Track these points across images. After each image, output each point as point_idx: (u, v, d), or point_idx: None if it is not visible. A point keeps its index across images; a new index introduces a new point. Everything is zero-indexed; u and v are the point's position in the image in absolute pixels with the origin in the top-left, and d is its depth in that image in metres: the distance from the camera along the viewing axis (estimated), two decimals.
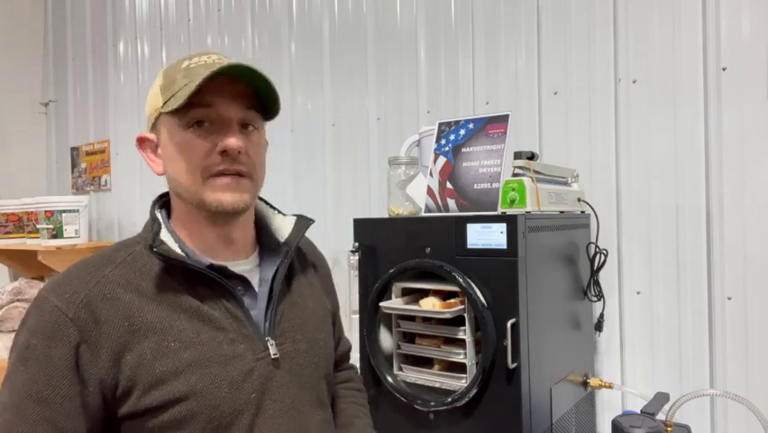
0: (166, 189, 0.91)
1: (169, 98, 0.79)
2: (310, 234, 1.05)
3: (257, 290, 0.89)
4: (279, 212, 1.00)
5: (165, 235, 0.83)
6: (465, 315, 1.19)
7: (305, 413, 0.88)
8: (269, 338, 0.86)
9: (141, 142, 0.87)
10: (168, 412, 0.76)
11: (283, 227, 0.97)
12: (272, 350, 0.85)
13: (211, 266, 0.82)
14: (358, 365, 1.33)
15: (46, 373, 0.73)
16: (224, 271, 0.84)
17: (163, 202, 0.91)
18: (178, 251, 0.81)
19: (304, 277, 1.00)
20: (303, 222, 0.98)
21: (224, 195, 0.81)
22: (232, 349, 0.81)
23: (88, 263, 0.81)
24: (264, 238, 0.96)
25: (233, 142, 0.79)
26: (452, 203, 1.31)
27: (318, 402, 0.93)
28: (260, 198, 0.99)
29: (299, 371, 0.89)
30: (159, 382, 0.76)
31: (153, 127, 0.85)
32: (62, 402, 0.73)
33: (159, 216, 0.87)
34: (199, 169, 0.80)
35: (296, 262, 0.99)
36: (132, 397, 0.75)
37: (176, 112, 0.78)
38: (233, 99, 0.80)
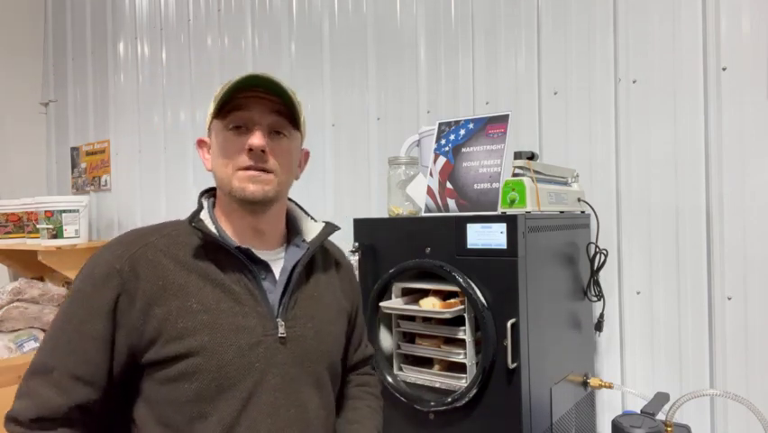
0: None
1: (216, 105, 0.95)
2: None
3: (277, 277, 0.99)
4: (312, 218, 1.13)
5: (204, 216, 0.97)
6: (465, 315, 1.19)
7: (303, 393, 0.97)
8: (280, 319, 0.96)
9: (200, 143, 1.03)
10: (181, 363, 0.88)
11: (311, 230, 1.09)
12: (280, 329, 0.95)
13: (239, 248, 0.95)
14: None
15: (88, 312, 0.87)
16: (248, 253, 0.95)
17: (210, 194, 1.07)
18: (213, 230, 0.95)
19: (324, 275, 1.10)
20: (330, 227, 1.10)
21: (247, 184, 0.93)
22: (244, 321, 0.92)
23: (139, 231, 0.97)
24: (292, 237, 1.07)
25: (256, 140, 0.92)
26: (452, 203, 1.31)
27: (317, 386, 1.01)
28: (297, 205, 1.13)
29: (303, 354, 0.98)
30: (178, 335, 0.88)
31: (209, 132, 1.01)
32: (96, 338, 0.87)
33: (204, 202, 1.02)
34: (231, 163, 0.94)
35: (319, 261, 1.10)
36: (156, 346, 0.88)
37: (221, 117, 0.95)
38: (266, 107, 0.95)
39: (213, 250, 0.95)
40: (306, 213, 1.14)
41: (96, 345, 0.87)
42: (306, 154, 1.11)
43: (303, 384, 0.98)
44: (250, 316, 0.93)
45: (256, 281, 0.96)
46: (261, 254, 0.98)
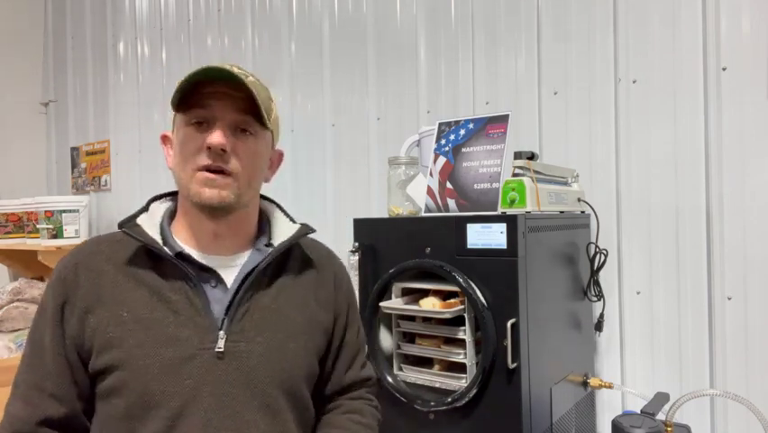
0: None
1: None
2: (316, 236, 1.06)
3: (228, 286, 0.90)
4: (291, 219, 1.03)
5: (144, 221, 0.91)
6: (465, 315, 1.19)
7: (244, 416, 0.85)
8: (222, 332, 0.86)
9: (164, 138, 0.97)
10: (108, 378, 0.83)
11: (283, 233, 0.99)
12: (219, 343, 0.85)
13: (180, 254, 0.88)
14: None
15: (44, 323, 0.87)
16: (189, 259, 0.88)
17: (173, 197, 1.00)
18: (154, 236, 0.88)
19: (294, 283, 0.97)
20: (303, 229, 0.99)
21: (203, 189, 0.86)
22: (177, 332, 0.84)
23: (97, 238, 0.95)
24: (258, 240, 0.98)
25: (215, 138, 0.84)
26: (452, 203, 1.31)
27: (267, 410, 0.88)
28: (277, 205, 1.04)
29: (248, 372, 0.87)
30: (107, 346, 0.83)
31: (173, 126, 0.94)
32: (51, 349, 0.85)
33: (152, 204, 0.96)
34: (190, 162, 0.87)
35: (293, 267, 0.98)
36: (91, 358, 0.84)
37: (182, 111, 0.88)
38: (229, 103, 0.87)
39: (155, 256, 0.88)
40: (285, 214, 1.04)
41: (54, 357, 0.85)
42: (280, 155, 1.01)
43: (245, 407, 0.86)
44: (185, 327, 0.84)
45: (197, 289, 0.87)
46: (212, 260, 0.90)
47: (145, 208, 0.95)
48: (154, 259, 0.89)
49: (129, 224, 0.88)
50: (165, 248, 0.88)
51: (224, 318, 0.87)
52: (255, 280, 0.90)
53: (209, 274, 0.89)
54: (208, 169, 0.86)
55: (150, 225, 0.91)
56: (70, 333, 0.85)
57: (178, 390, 0.82)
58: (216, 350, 0.85)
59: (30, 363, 0.87)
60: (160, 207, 0.97)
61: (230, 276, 0.91)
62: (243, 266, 0.92)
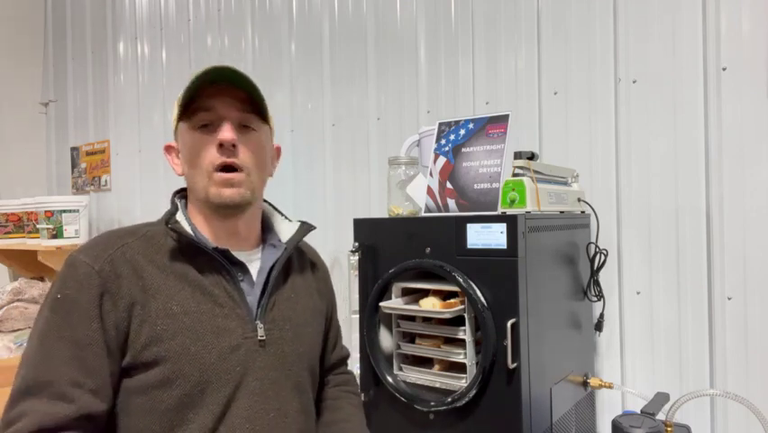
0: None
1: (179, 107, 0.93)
2: (311, 235, 1.13)
3: (255, 278, 0.98)
4: (286, 217, 1.11)
5: (180, 217, 0.95)
6: (465, 315, 1.19)
7: (283, 397, 0.95)
8: (259, 322, 0.94)
9: (168, 149, 1.01)
10: (160, 368, 0.85)
11: (287, 230, 1.07)
12: (260, 332, 0.93)
13: (216, 249, 0.92)
14: (358, 365, 1.34)
15: (76, 318, 0.83)
16: (226, 254, 0.93)
17: (183, 194, 1.04)
18: (189, 231, 0.93)
19: (301, 276, 1.08)
20: (305, 227, 1.08)
21: (222, 189, 0.91)
22: (225, 323, 0.90)
23: (114, 233, 0.94)
24: (268, 237, 1.05)
25: (225, 134, 0.90)
26: (452, 203, 1.31)
27: (298, 389, 0.98)
28: (270, 204, 1.11)
29: (282, 357, 0.96)
30: (158, 338, 0.85)
31: (176, 136, 0.99)
32: (90, 343, 0.83)
33: (177, 202, 1.00)
34: (205, 164, 0.91)
35: (295, 261, 1.08)
36: (134, 349, 0.85)
37: (186, 118, 0.92)
38: (231, 102, 0.92)
39: (189, 251, 0.92)
40: (280, 213, 1.11)
41: (94, 351, 0.82)
42: (278, 150, 1.08)
43: (282, 388, 0.95)
44: (229, 318, 0.90)
45: (234, 283, 0.93)
46: (238, 255, 0.96)
47: (176, 206, 0.98)
48: (190, 255, 0.93)
49: (172, 221, 0.92)
50: (202, 243, 0.92)
51: (257, 309, 0.95)
52: (278, 274, 0.98)
53: (238, 268, 0.95)
54: (223, 167, 0.91)
55: (184, 221, 0.95)
56: (112, 324, 0.84)
57: (230, 376, 0.89)
58: (259, 338, 0.93)
59: (57, 360, 0.81)
60: (179, 204, 1.00)
61: (252, 269, 0.98)
62: (264, 260, 1.00)
